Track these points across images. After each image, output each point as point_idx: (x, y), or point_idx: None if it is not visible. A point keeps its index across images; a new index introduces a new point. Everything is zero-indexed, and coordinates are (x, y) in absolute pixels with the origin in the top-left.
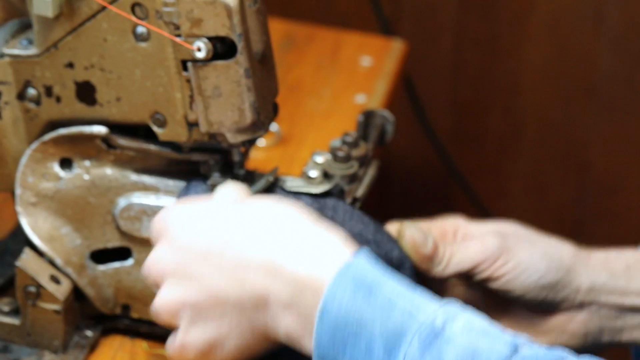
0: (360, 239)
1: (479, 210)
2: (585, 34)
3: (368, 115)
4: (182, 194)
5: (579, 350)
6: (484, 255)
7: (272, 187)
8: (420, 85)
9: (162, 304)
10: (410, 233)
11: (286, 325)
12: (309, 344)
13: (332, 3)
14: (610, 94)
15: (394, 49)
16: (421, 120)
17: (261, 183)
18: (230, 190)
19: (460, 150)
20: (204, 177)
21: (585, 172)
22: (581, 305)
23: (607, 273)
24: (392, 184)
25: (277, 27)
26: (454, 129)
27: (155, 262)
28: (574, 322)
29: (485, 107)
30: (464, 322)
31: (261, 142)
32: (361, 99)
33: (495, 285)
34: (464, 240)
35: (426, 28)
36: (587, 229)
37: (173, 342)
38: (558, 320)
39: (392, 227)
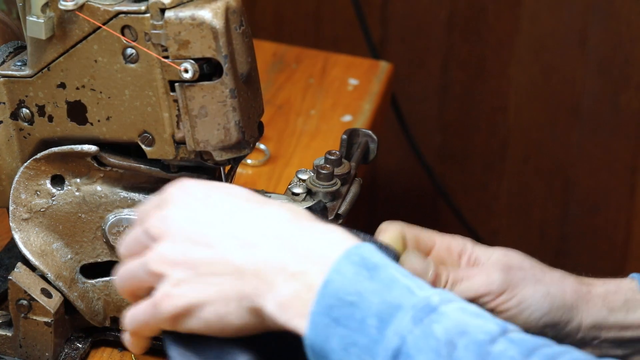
0: None
1: (465, 227)
2: (569, 56)
3: (351, 134)
4: None
5: None
6: (487, 289)
7: None
8: (408, 105)
9: (160, 256)
10: (411, 263)
11: (285, 295)
12: (298, 318)
13: (321, 27)
14: (594, 114)
15: (381, 70)
16: (408, 139)
17: None
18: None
19: (447, 169)
20: None
21: (569, 191)
22: (582, 341)
23: (607, 309)
24: (380, 202)
25: (267, 48)
26: (441, 148)
27: (161, 256)
28: None
29: (471, 127)
30: (459, 305)
31: (250, 160)
32: (348, 119)
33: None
34: (469, 267)
35: (414, 50)
36: (571, 246)
37: (155, 293)
38: None
39: (393, 228)
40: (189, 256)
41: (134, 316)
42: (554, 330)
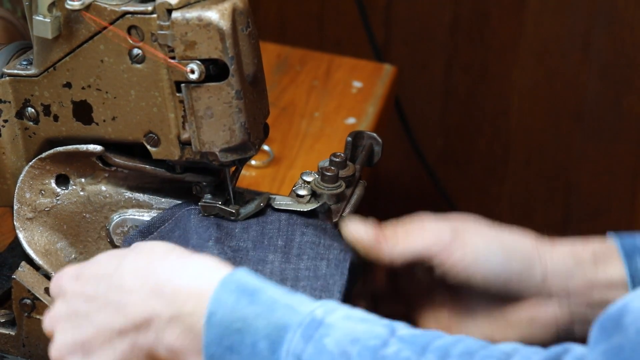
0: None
1: None
2: (572, 61)
3: (356, 136)
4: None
5: (551, 343)
6: (436, 239)
7: (263, 208)
8: (411, 108)
9: (56, 349)
10: (348, 227)
11: (170, 341)
12: (194, 356)
13: (324, 29)
14: (596, 118)
15: (385, 73)
16: (411, 142)
17: (251, 207)
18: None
19: (449, 172)
20: (196, 198)
21: (571, 195)
22: (549, 295)
23: (574, 261)
24: (382, 204)
25: (272, 50)
26: (443, 151)
27: (51, 316)
28: (544, 314)
29: (474, 130)
30: (342, 312)
31: (254, 161)
32: (352, 122)
33: (454, 277)
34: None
35: (417, 54)
36: None
37: None
38: (527, 312)
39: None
40: (77, 340)
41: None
42: (516, 282)
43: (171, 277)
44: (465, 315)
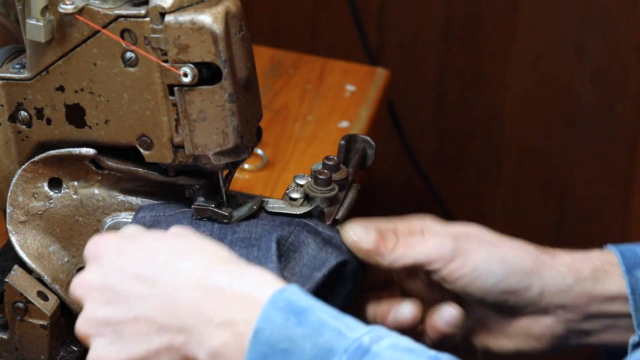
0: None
1: None
2: (566, 65)
3: (349, 140)
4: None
5: (547, 352)
6: (438, 253)
7: (256, 211)
8: (404, 112)
9: (85, 320)
10: (351, 232)
11: (215, 346)
12: None
13: (318, 33)
14: (590, 123)
15: (378, 76)
16: (404, 146)
17: (244, 210)
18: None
19: (442, 176)
20: (189, 201)
21: (564, 200)
22: (546, 310)
23: (573, 277)
24: (375, 208)
25: (265, 54)
26: (436, 155)
27: (84, 281)
28: (539, 326)
29: (467, 135)
30: (390, 341)
31: (247, 165)
32: (345, 125)
33: (452, 287)
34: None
35: (410, 58)
36: None
37: (88, 355)
38: (523, 324)
39: (354, 227)
40: (110, 319)
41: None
42: (515, 296)
43: (230, 284)
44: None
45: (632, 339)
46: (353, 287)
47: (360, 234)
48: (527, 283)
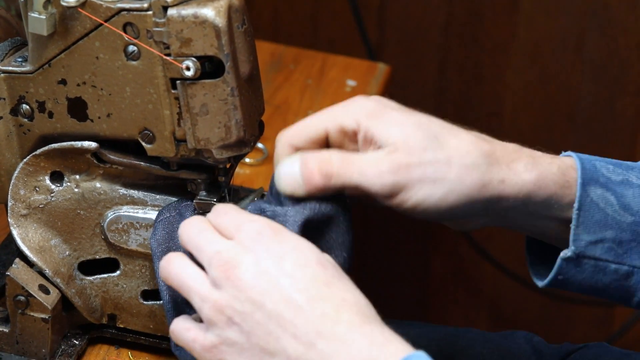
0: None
1: (458, 231)
2: (566, 62)
3: None
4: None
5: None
6: (377, 189)
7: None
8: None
9: (219, 305)
10: (280, 180)
11: None
12: None
13: (318, 28)
14: (590, 120)
15: (379, 72)
16: None
17: (246, 203)
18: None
19: None
20: (191, 194)
21: None
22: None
23: (534, 198)
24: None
25: (265, 48)
26: None
27: (220, 306)
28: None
29: None
30: None
31: (248, 159)
32: None
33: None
34: (362, 153)
35: (411, 53)
36: None
37: (206, 335)
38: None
39: (281, 146)
40: (247, 320)
41: (179, 336)
42: (469, 219)
43: (362, 345)
44: None
45: (564, 253)
46: (344, 216)
47: (290, 184)
48: (479, 209)
